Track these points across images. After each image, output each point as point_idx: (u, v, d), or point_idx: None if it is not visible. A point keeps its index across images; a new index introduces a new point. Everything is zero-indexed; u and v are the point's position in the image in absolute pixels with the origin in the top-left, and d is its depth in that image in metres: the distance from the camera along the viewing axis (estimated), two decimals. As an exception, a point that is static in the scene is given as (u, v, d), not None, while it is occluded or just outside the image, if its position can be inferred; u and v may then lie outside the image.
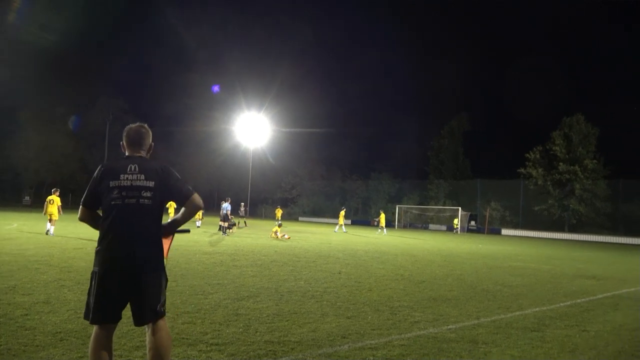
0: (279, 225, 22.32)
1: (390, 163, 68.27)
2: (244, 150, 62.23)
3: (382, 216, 32.76)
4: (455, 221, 44.06)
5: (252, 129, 58.57)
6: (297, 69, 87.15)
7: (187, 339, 4.78)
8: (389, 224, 51.81)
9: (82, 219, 3.40)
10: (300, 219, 63.40)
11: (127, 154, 3.48)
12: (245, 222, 30.52)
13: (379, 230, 32.13)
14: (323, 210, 64.58)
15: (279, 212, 40.04)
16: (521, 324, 6.26)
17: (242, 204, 29.61)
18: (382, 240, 24.99)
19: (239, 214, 29.96)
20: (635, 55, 71.28)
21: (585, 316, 7.10)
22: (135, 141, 3.49)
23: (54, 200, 17.20)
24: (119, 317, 3.28)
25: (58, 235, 16.47)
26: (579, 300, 8.45)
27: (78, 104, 62.81)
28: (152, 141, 3.59)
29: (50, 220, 16.94)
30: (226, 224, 22.67)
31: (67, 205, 21.68)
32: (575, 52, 77.80)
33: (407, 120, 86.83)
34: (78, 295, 6.61)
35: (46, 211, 17.10)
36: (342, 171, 69.98)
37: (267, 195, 70.25)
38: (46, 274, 8.28)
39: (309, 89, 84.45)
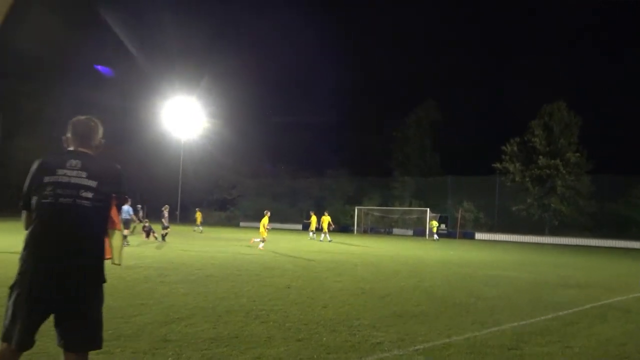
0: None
1: (347, 158, 68.82)
2: (173, 143, 61.14)
3: (325, 219, 32.50)
4: (434, 224, 42.81)
5: (184, 118, 57.60)
6: (236, 46, 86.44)
7: (103, 372, 4.64)
8: (347, 229, 52.31)
9: (28, 227, 3.26)
10: (242, 224, 62.94)
11: (71, 149, 3.44)
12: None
13: (322, 235, 32.18)
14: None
15: (199, 216, 39.46)
16: (498, 342, 6.44)
17: (139, 206, 29.67)
18: (338, 248, 25.15)
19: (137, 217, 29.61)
20: (620, 38, 74.84)
21: (568, 330, 7.39)
22: (82, 135, 3.47)
23: None
24: (31, 343, 3.17)
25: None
26: (561, 313, 8.78)
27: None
28: (103, 137, 3.58)
29: None
30: (164, 231, 23.91)
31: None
32: (556, 32, 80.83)
33: (367, 108, 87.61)
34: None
35: None
36: (291, 167, 70.00)
37: (202, 197, 69.33)
38: None
39: (250, 69, 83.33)
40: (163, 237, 24.00)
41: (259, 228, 22.22)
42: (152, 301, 8.25)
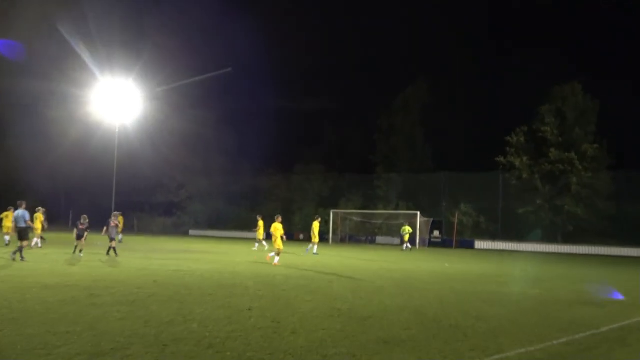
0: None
1: (321, 151, 68.69)
2: (106, 133, 60.24)
3: (314, 226, 32.02)
4: (406, 230, 40.44)
5: (119, 103, 56.79)
6: (183, 16, 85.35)
7: (19, 417, 4.56)
8: (321, 238, 52.25)
9: None
10: (191, 232, 62.51)
11: None
12: (42, 237, 29.53)
13: (310, 246, 31.65)
14: (225, 220, 64.04)
15: (120, 222, 38.96)
16: (502, 371, 6.51)
17: (41, 209, 29.09)
18: (310, 261, 25.15)
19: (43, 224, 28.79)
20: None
21: (585, 357, 7.51)
22: None
23: None
24: None
25: None
26: (577, 336, 8.91)
27: None
28: None
29: None
30: (112, 243, 22.82)
31: None
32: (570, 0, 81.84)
33: (345, 91, 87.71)
34: None
35: None
36: (252, 163, 69.72)
37: (142, 199, 68.62)
38: None
39: (200, 45, 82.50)
40: (113, 250, 22.81)
41: (273, 237, 21.78)
42: (81, 328, 8.14)
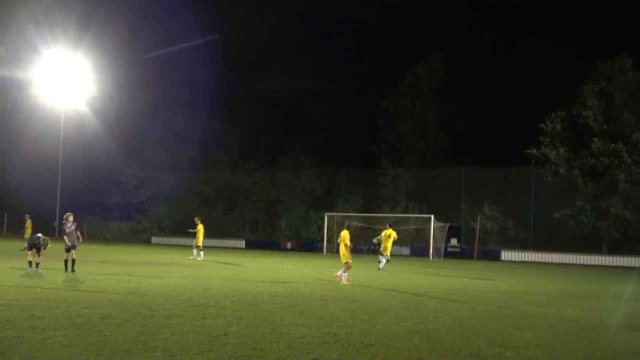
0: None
1: (313, 141, 68.64)
2: (49, 119, 60.08)
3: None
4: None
5: (65, 82, 56.63)
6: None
7: None
8: (313, 246, 52.18)
9: None
10: (154, 240, 62.40)
11: None
12: None
13: (382, 260, 30.35)
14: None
15: (29, 226, 39.04)
16: (534, 410, 6.54)
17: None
18: (300, 274, 25.16)
19: None
20: None
21: (634, 391, 7.55)
22: None
23: None
24: None
25: None
26: (625, 366, 8.98)
27: None
28: None
29: None
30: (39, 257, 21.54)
31: None
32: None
33: (343, 67, 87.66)
34: None
35: None
36: (229, 155, 69.59)
37: (94, 199, 68.46)
38: None
39: (164, 12, 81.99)
40: (72, 264, 22.00)
41: (341, 250, 21.65)
42: (18, 357, 8.16)
